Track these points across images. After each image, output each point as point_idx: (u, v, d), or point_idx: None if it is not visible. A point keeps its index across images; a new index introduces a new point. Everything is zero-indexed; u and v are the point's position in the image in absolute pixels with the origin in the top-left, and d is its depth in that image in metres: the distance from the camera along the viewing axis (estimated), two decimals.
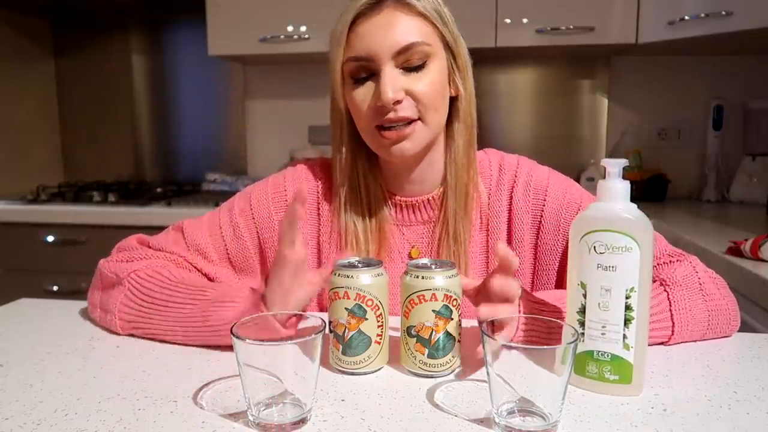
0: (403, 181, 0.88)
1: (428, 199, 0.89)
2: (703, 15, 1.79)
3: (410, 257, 0.90)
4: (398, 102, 0.78)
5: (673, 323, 0.73)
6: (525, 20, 1.99)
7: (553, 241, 0.88)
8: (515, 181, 0.89)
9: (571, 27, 1.97)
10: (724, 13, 1.74)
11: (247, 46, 2.15)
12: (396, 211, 0.90)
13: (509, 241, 0.89)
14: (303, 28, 2.10)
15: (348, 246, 0.87)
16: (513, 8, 1.99)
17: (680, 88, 2.27)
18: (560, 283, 0.88)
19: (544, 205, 0.88)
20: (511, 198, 0.89)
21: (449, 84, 0.84)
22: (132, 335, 0.79)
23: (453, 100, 0.86)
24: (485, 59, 2.31)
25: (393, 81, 0.77)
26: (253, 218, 0.90)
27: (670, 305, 0.73)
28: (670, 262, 0.80)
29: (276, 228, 0.89)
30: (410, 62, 0.78)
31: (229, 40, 2.15)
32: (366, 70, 0.80)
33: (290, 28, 2.11)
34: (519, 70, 2.34)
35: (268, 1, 2.11)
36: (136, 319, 0.78)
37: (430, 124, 0.81)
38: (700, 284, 0.76)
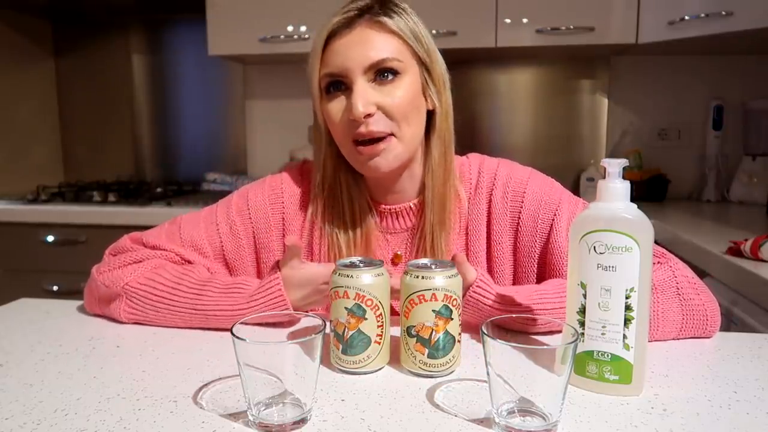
0: (385, 191, 0.90)
1: (410, 207, 0.90)
2: (703, 15, 1.79)
3: (393, 263, 0.91)
4: (369, 115, 0.79)
5: None
6: (525, 20, 1.99)
7: (531, 242, 0.88)
8: (494, 184, 0.91)
9: (571, 27, 1.97)
10: (724, 13, 1.74)
11: (247, 46, 2.15)
12: (381, 219, 0.91)
13: (488, 244, 0.90)
14: (303, 28, 2.10)
15: (334, 256, 0.89)
16: (513, 8, 1.99)
17: (680, 88, 2.27)
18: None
19: (522, 207, 0.89)
20: (490, 201, 0.90)
21: (425, 99, 0.85)
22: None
23: (431, 114, 0.87)
24: (485, 59, 2.31)
25: (364, 95, 0.79)
26: (251, 218, 0.91)
27: None
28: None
29: (272, 230, 0.92)
30: (381, 77, 0.81)
31: (229, 40, 2.15)
32: (341, 85, 0.82)
33: (290, 28, 2.11)
34: (519, 70, 2.34)
35: (268, 1, 2.11)
36: (147, 321, 0.82)
37: (403, 139, 0.82)
38: (678, 288, 0.77)
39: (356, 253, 0.89)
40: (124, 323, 0.83)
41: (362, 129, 0.80)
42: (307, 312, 0.77)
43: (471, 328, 0.76)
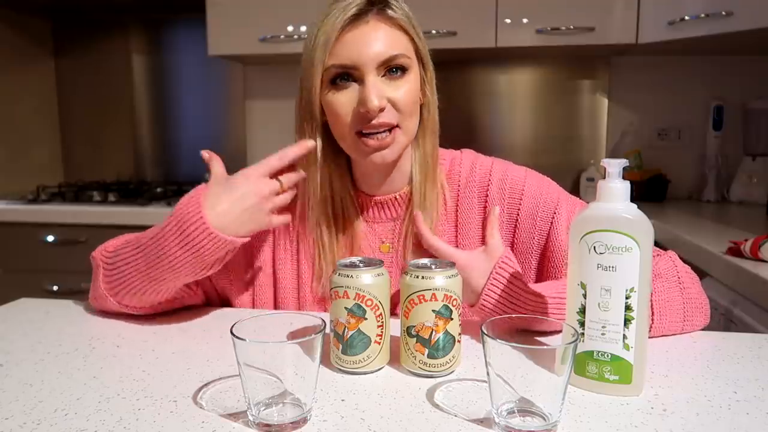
0: (373, 181, 0.90)
1: (395, 197, 0.91)
2: (703, 15, 1.79)
3: (380, 252, 0.92)
4: (382, 109, 0.80)
5: (652, 312, 0.76)
6: (525, 20, 1.99)
7: (529, 239, 0.89)
8: (489, 181, 0.91)
9: (571, 27, 1.97)
10: (724, 13, 1.74)
11: (247, 46, 2.15)
12: (366, 210, 0.92)
13: (483, 240, 0.90)
14: (303, 28, 2.10)
15: (318, 251, 0.89)
16: (513, 8, 1.99)
17: (680, 88, 2.27)
18: (540, 281, 0.89)
19: (520, 204, 0.90)
20: (486, 197, 0.91)
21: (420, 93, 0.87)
22: (129, 308, 0.84)
23: (420, 108, 0.88)
24: (485, 59, 2.31)
25: (377, 89, 0.79)
26: None
27: (651, 296, 0.75)
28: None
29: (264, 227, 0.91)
30: (392, 72, 0.81)
31: (229, 40, 2.15)
32: (348, 77, 0.81)
33: (290, 28, 2.11)
34: (519, 70, 2.34)
35: (268, 1, 2.11)
36: (119, 288, 0.82)
37: (406, 130, 0.83)
38: (678, 277, 0.80)
39: (340, 245, 0.89)
40: (116, 308, 0.84)
41: (374, 122, 0.80)
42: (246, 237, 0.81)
43: (474, 326, 0.76)
